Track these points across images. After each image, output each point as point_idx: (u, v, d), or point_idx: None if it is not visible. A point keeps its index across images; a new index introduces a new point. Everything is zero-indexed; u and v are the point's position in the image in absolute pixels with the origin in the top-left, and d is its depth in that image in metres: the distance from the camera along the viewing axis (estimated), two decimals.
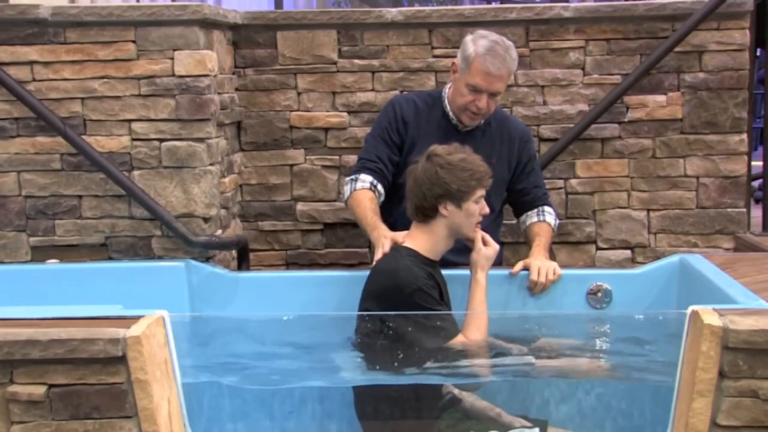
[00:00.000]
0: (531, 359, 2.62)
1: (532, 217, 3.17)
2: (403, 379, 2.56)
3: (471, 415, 2.60)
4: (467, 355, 2.63)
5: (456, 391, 2.59)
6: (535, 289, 2.94)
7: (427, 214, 2.68)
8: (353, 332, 2.68)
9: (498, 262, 2.99)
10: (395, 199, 3.04)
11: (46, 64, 3.26)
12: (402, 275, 2.60)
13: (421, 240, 2.70)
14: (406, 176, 2.78)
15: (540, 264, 2.95)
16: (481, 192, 2.69)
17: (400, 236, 2.76)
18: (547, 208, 3.18)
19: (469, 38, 2.99)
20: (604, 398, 2.76)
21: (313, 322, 2.79)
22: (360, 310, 2.69)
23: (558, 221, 3.25)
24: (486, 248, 2.78)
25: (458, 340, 2.61)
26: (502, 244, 3.00)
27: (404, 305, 2.55)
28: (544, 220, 3.15)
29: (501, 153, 3.09)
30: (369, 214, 2.91)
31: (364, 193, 2.99)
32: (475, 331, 2.64)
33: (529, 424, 2.56)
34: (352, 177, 3.05)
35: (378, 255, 2.71)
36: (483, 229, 2.81)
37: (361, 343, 2.64)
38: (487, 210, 2.75)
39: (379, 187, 3.03)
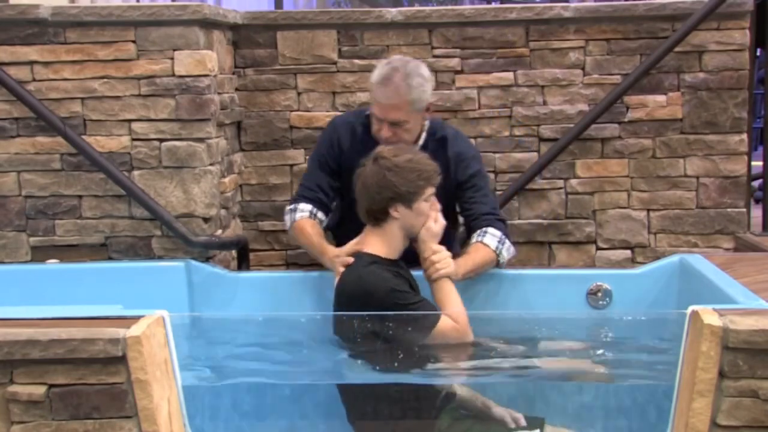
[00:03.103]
0: (536, 362, 2.62)
1: (473, 238, 2.95)
2: (403, 378, 2.56)
3: (463, 407, 2.60)
4: (469, 356, 2.64)
5: (449, 386, 2.59)
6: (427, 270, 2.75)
7: (378, 217, 2.67)
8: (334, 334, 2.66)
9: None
10: (349, 220, 3.03)
11: (46, 64, 3.26)
12: (371, 281, 2.58)
13: (378, 243, 2.69)
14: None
15: (445, 254, 2.73)
16: (431, 190, 2.68)
17: (349, 246, 2.74)
18: (491, 230, 2.92)
19: (378, 63, 2.97)
20: (604, 398, 2.76)
21: (312, 322, 2.79)
22: (335, 330, 2.66)
23: (510, 248, 2.96)
24: (434, 224, 2.72)
25: (444, 323, 2.58)
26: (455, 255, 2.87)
27: (382, 309, 2.53)
28: (481, 241, 2.90)
29: (453, 169, 2.99)
30: (315, 240, 2.91)
31: (305, 221, 2.99)
32: (450, 304, 2.63)
33: (518, 415, 2.55)
34: (292, 207, 3.05)
35: (338, 275, 2.71)
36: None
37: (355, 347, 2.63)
38: (438, 206, 2.73)
39: (319, 214, 3.01)
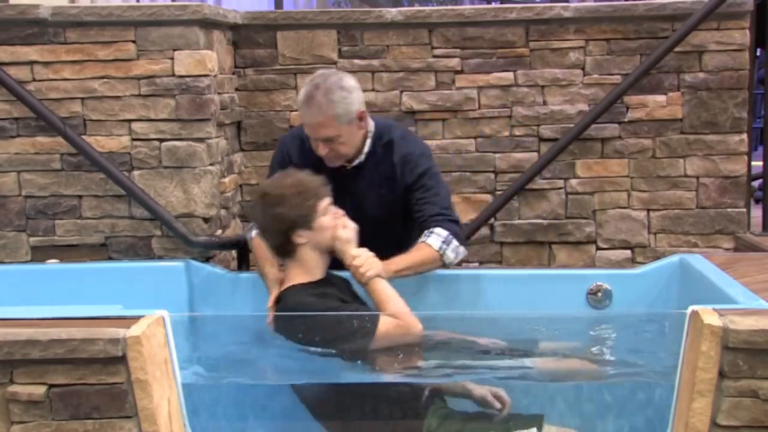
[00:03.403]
0: (529, 363, 2.62)
1: (421, 239, 2.86)
2: (392, 378, 2.57)
3: (443, 394, 2.60)
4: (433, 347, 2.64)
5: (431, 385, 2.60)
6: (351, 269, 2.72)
7: (287, 249, 2.64)
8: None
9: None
10: None
11: (46, 64, 3.26)
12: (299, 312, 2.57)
13: (298, 273, 2.66)
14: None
15: (367, 256, 2.69)
16: (325, 202, 2.64)
17: (271, 299, 2.72)
18: (437, 230, 2.83)
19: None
20: (604, 397, 2.76)
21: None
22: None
23: (458, 248, 2.84)
24: (344, 231, 2.69)
25: (385, 323, 2.54)
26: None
27: (321, 334, 2.51)
28: (424, 241, 2.82)
29: (385, 179, 2.94)
30: (260, 263, 2.89)
31: (256, 240, 2.93)
32: (387, 303, 2.60)
33: (499, 392, 2.55)
34: (251, 223, 3.02)
35: (270, 301, 2.71)
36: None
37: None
38: (340, 212, 2.71)
39: None
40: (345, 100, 2.80)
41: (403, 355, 2.60)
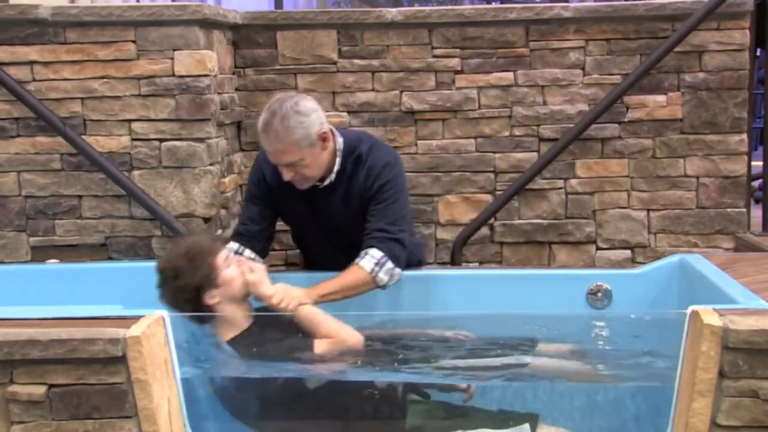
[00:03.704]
0: (525, 360, 2.62)
1: (356, 259, 2.82)
2: (392, 377, 2.58)
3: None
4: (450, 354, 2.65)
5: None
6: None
7: (205, 312, 2.62)
8: None
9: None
10: (304, 239, 3.09)
11: (46, 64, 3.26)
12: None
13: (225, 328, 2.64)
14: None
15: (284, 289, 2.68)
16: (220, 257, 2.62)
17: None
18: (372, 251, 2.79)
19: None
20: (603, 397, 2.76)
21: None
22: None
23: (393, 270, 2.80)
24: (251, 275, 2.67)
25: (320, 347, 2.57)
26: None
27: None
28: (358, 263, 2.79)
29: (357, 194, 2.91)
30: None
31: None
32: (317, 328, 2.61)
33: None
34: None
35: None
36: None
37: None
38: (242, 258, 2.72)
39: (246, 252, 2.94)
40: (302, 124, 2.75)
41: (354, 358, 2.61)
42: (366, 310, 2.91)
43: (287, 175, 2.82)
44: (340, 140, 2.91)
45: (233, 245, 2.95)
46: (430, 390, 2.66)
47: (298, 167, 2.80)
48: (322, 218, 2.98)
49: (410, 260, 3.06)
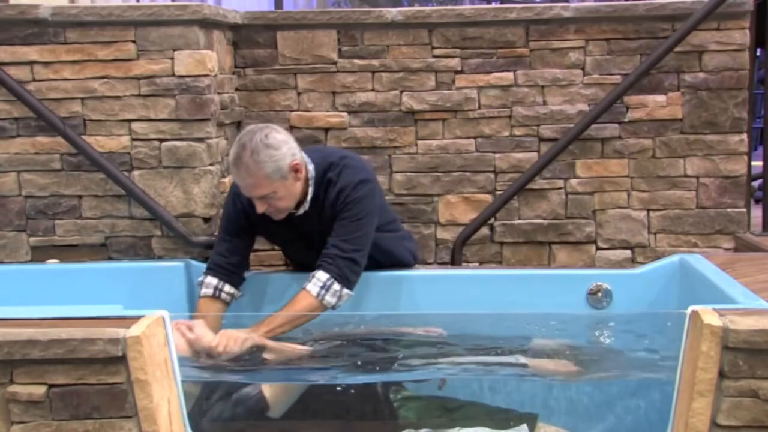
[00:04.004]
0: (524, 360, 2.62)
1: (305, 283, 2.82)
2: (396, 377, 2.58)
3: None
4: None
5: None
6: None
7: None
8: None
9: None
10: (293, 252, 3.11)
11: (46, 64, 3.26)
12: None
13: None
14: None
15: (226, 335, 2.67)
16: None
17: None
18: (318, 273, 2.78)
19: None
20: (604, 398, 2.76)
21: (311, 321, 2.80)
22: None
23: (340, 291, 2.78)
24: (189, 333, 2.67)
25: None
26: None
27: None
28: (305, 287, 2.78)
29: (329, 215, 2.90)
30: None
31: (206, 303, 2.93)
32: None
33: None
34: (201, 279, 2.96)
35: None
36: None
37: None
38: (178, 321, 2.69)
39: (227, 287, 2.93)
40: (273, 158, 2.74)
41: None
42: (364, 310, 2.92)
43: (260, 208, 2.81)
44: (311, 167, 2.89)
45: (212, 281, 2.93)
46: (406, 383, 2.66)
47: (271, 200, 2.80)
48: (304, 238, 2.99)
49: (404, 257, 3.10)
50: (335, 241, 2.83)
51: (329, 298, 2.77)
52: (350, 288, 2.81)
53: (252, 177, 2.74)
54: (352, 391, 2.58)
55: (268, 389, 2.56)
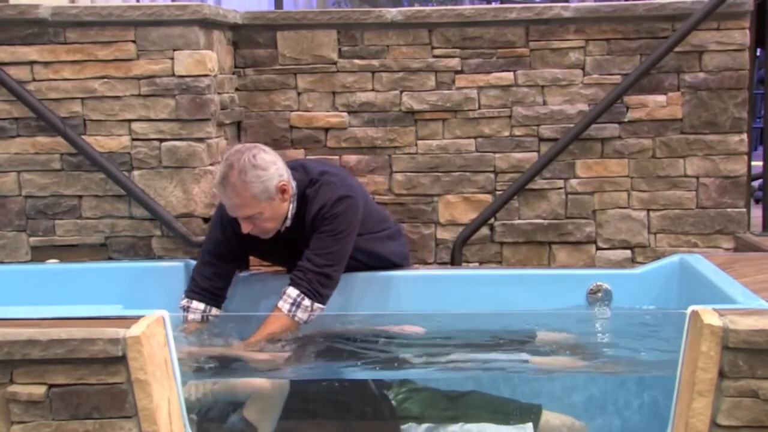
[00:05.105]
0: (525, 356, 2.62)
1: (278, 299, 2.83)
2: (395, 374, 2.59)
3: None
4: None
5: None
6: None
7: None
8: None
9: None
10: (283, 261, 3.10)
11: (46, 64, 3.26)
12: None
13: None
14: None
15: None
16: None
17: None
18: (289, 290, 2.78)
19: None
20: (604, 398, 2.76)
21: (311, 322, 2.80)
22: None
23: (310, 306, 2.77)
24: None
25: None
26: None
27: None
28: (278, 305, 2.78)
29: (310, 230, 2.90)
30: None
31: (194, 326, 2.91)
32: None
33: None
34: (185, 303, 2.93)
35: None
36: None
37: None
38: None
39: (213, 311, 2.94)
40: (260, 178, 2.74)
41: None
42: (361, 310, 2.93)
43: (246, 228, 2.81)
44: (293, 184, 2.89)
45: (198, 306, 2.91)
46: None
47: (257, 220, 2.80)
48: (284, 252, 2.99)
49: (388, 257, 3.11)
50: (309, 255, 2.82)
51: (300, 315, 2.76)
52: (322, 302, 2.80)
53: (239, 197, 2.74)
54: (345, 384, 2.59)
55: (249, 413, 2.55)
